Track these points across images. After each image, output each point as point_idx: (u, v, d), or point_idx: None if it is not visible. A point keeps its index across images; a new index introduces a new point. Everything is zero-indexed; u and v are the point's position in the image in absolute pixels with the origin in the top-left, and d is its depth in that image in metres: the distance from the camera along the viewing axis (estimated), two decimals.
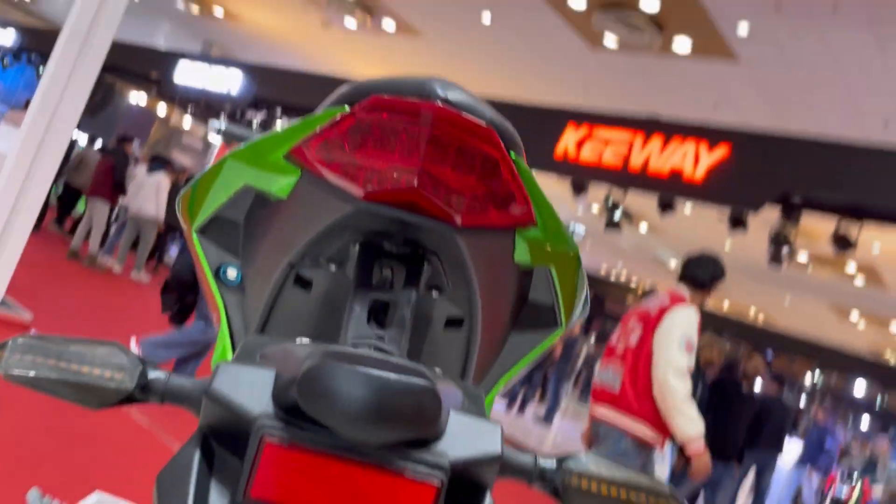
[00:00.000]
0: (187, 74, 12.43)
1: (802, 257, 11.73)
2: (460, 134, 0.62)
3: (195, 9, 13.10)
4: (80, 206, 11.85)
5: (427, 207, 0.62)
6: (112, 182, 9.54)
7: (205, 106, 12.33)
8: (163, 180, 9.46)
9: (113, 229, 10.45)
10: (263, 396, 0.51)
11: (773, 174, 6.41)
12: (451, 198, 0.63)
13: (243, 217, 0.75)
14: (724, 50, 7.43)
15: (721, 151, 6.58)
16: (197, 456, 0.53)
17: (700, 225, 10.81)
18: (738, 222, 6.73)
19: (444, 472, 0.50)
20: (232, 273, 0.76)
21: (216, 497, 0.52)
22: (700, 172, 6.60)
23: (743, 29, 6.89)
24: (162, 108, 17.17)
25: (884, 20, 5.93)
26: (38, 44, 14.54)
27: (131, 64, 12.73)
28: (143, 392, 0.56)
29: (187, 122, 17.72)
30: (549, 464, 0.58)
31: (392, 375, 0.46)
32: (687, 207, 9.26)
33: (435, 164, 0.62)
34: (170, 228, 10.31)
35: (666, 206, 7.07)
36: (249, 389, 0.52)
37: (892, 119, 7.17)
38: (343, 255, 0.70)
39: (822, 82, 7.35)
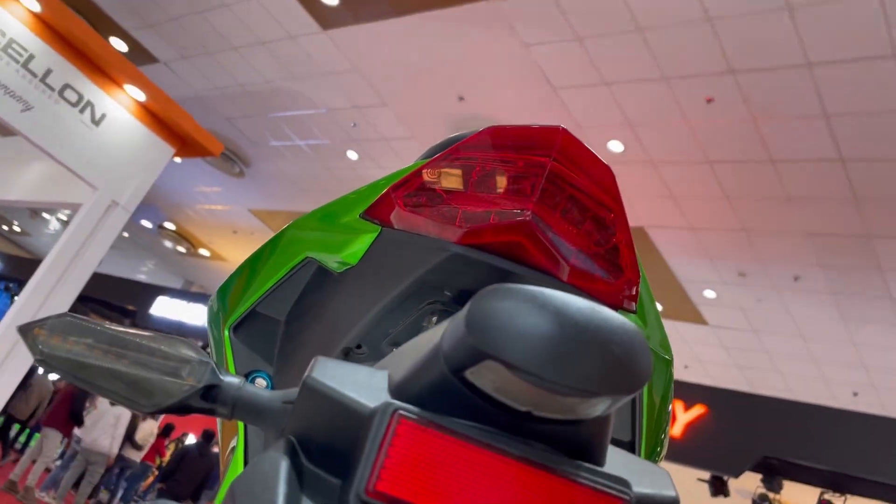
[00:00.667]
0: (165, 309, 12.52)
1: None
2: (579, 175, 0.54)
3: (182, 249, 13.56)
4: (22, 438, 11.25)
5: (534, 252, 0.52)
6: (68, 412, 9.12)
7: None
8: (124, 413, 9.07)
9: (59, 462, 9.79)
10: (378, 393, 0.38)
11: (751, 437, 6.29)
12: (560, 247, 0.53)
13: (286, 313, 0.63)
14: (693, 313, 7.71)
15: (698, 411, 6.51)
16: (284, 466, 0.38)
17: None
18: (719, 489, 6.47)
19: (631, 493, 0.36)
20: (261, 384, 0.63)
21: None
22: (678, 430, 6.47)
23: (710, 294, 7.21)
24: None
25: (844, 292, 6.25)
26: (19, 272, 14.72)
27: (109, 295, 12.82)
28: (207, 397, 0.43)
29: None
30: None
31: (597, 304, 0.34)
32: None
33: (546, 209, 0.53)
34: (119, 459, 9.69)
35: None
36: (359, 385, 0.38)
37: (862, 389, 7.26)
38: (414, 334, 0.57)
39: (788, 349, 7.53)
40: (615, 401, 0.33)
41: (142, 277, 16.16)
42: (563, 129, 0.55)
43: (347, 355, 0.60)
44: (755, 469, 6.19)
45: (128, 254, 14.79)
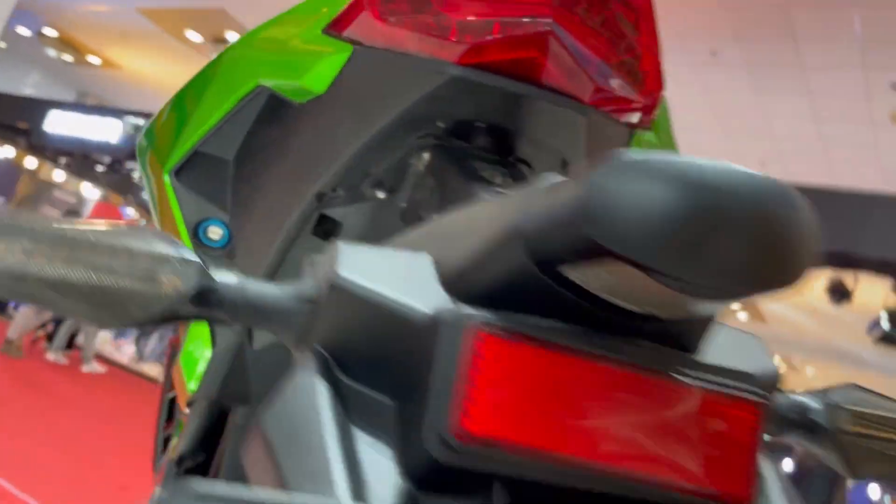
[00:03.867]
0: (60, 124, 11.75)
1: None
2: None
3: (68, 57, 12.46)
4: None
5: (553, 71, 0.43)
6: None
7: (81, 157, 11.67)
8: None
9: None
10: (429, 291, 0.29)
11: None
12: (582, 62, 0.43)
13: (234, 152, 0.53)
14: None
15: None
16: (323, 391, 0.29)
17: None
18: (842, 295, 6.98)
19: (763, 390, 0.30)
20: (216, 232, 0.55)
21: (377, 446, 0.29)
22: None
23: None
24: (31, 162, 16.06)
25: (759, 64, 6.32)
26: None
27: None
28: (201, 302, 0.32)
29: (59, 175, 16.66)
30: (811, 400, 0.38)
31: (753, 173, 0.28)
32: None
33: (566, 14, 0.42)
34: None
35: None
36: (401, 280, 0.29)
37: (768, 160, 7.64)
38: (400, 174, 0.49)
39: (702, 125, 7.74)
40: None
41: (29, 92, 14.95)
42: None
43: (321, 200, 0.50)
44: None
45: (7, 65, 13.54)
